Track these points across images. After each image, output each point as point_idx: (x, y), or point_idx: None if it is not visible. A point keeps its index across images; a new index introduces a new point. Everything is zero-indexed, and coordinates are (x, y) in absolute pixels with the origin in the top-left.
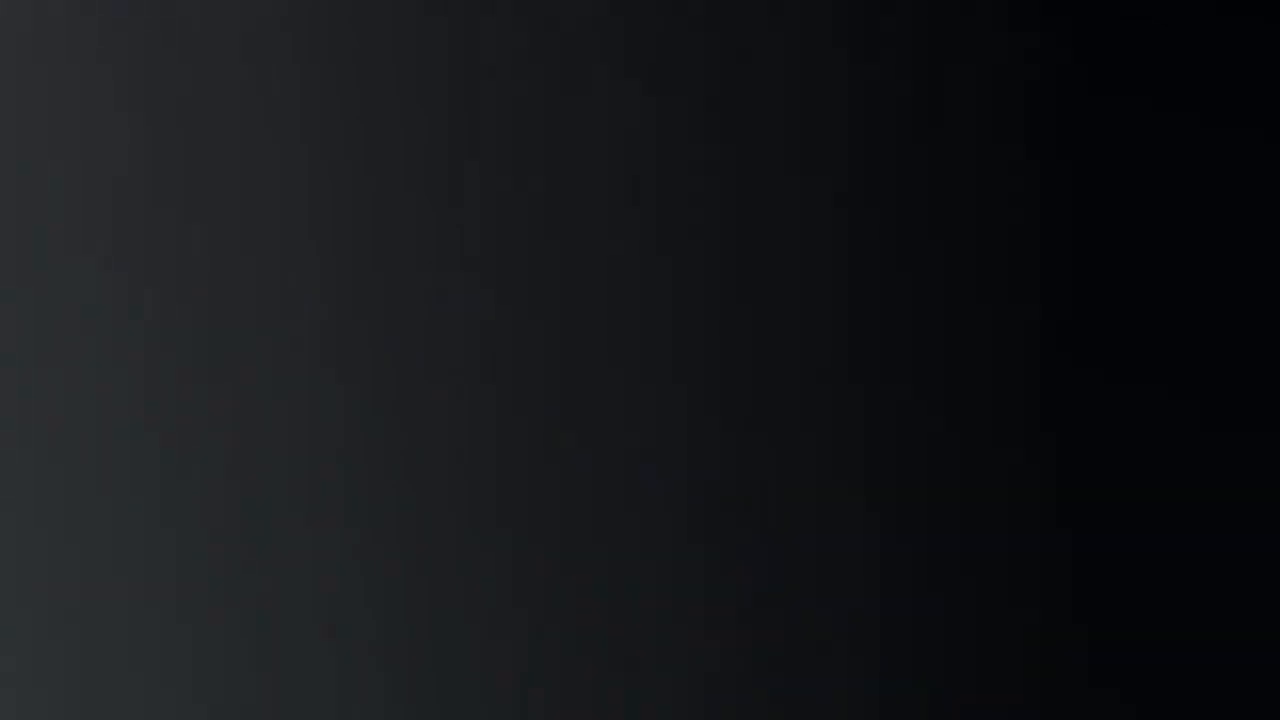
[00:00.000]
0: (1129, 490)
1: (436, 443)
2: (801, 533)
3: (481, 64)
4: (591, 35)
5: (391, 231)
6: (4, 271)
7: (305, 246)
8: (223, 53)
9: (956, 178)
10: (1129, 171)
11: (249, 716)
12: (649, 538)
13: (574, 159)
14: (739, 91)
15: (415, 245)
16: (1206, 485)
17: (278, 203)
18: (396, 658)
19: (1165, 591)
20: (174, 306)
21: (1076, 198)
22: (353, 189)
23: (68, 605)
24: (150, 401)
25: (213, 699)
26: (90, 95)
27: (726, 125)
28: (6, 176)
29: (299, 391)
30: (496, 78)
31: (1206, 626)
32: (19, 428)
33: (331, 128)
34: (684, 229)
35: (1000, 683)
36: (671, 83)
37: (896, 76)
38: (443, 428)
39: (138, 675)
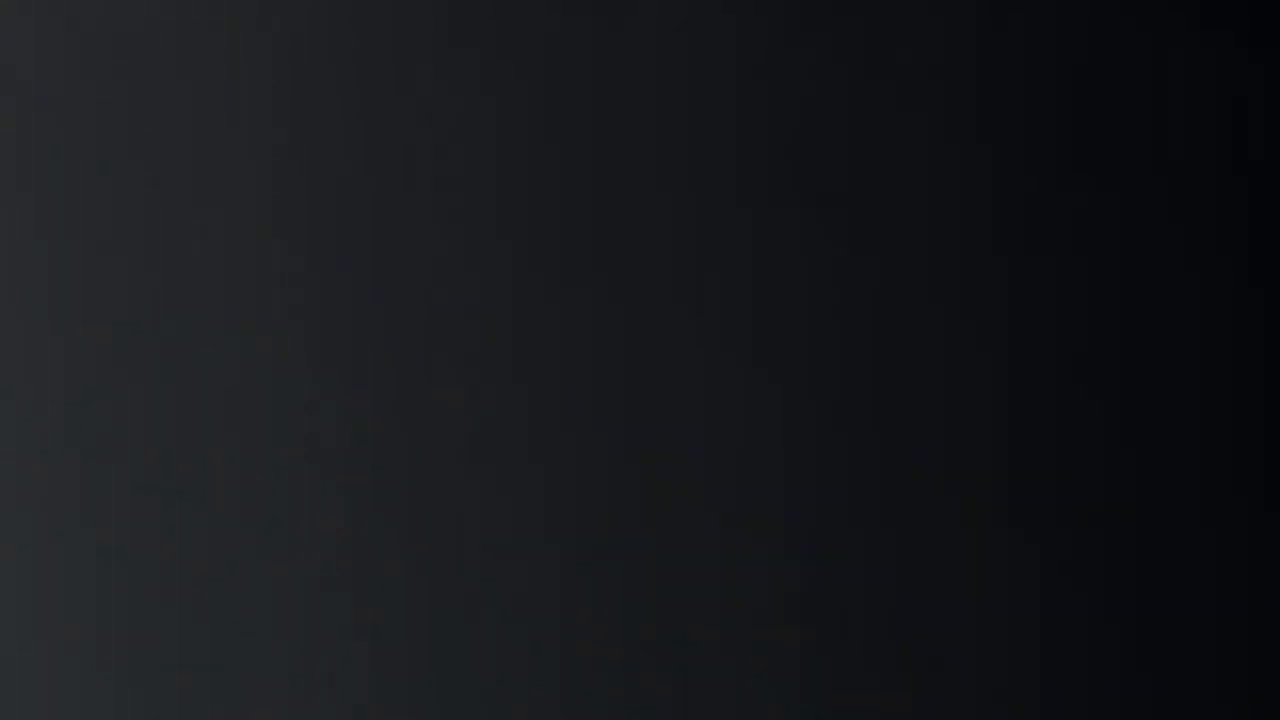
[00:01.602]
0: None
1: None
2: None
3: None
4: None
5: (398, 229)
6: (5, 273)
7: (303, 241)
8: (219, 49)
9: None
10: None
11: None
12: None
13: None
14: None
15: (423, 242)
16: None
17: (272, 199)
18: (419, 664)
19: None
20: (168, 302)
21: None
22: (366, 185)
23: (65, 604)
24: (144, 398)
25: (208, 700)
26: (84, 92)
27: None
28: (6, 176)
29: (297, 389)
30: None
31: None
32: (21, 429)
33: (332, 124)
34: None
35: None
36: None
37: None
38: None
39: (128, 676)
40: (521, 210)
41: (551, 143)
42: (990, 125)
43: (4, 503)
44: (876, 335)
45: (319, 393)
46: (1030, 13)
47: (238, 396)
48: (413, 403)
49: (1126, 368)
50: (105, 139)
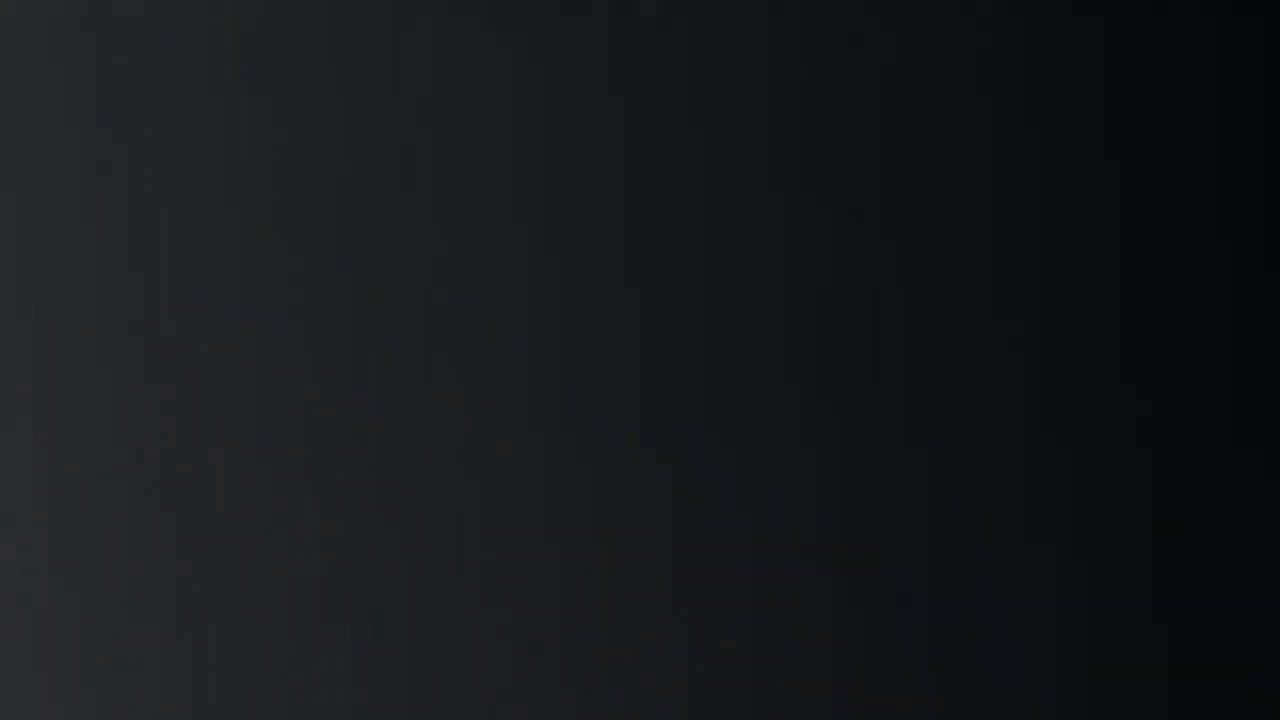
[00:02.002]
0: None
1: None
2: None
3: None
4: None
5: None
6: (7, 273)
7: (303, 240)
8: (219, 48)
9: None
10: None
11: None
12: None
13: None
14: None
15: (423, 242)
16: None
17: (270, 198)
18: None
19: None
20: (164, 299)
21: None
22: (371, 187)
23: (64, 604)
24: (140, 398)
25: (207, 700)
26: (83, 92)
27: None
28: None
29: (297, 389)
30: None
31: None
32: (19, 429)
33: (333, 127)
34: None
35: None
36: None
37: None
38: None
39: (126, 676)
40: (523, 209)
41: (553, 140)
42: (1020, 119)
43: (3, 503)
44: (901, 332)
45: (319, 393)
46: (1067, 7)
47: (238, 396)
48: (413, 403)
49: (1156, 363)
50: (104, 139)
